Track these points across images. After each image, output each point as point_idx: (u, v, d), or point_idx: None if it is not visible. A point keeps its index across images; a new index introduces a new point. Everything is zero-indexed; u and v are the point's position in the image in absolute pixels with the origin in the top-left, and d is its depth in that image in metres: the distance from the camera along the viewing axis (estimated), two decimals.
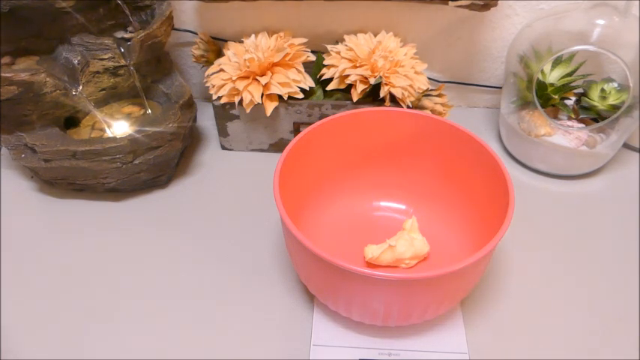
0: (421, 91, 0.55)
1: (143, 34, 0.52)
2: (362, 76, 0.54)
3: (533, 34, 0.55)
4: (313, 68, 0.59)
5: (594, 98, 0.56)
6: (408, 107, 0.54)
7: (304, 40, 0.58)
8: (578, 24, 0.53)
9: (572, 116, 0.57)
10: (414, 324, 0.42)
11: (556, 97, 0.56)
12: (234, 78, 0.55)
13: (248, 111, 0.56)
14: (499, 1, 0.57)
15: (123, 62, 0.56)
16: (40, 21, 0.54)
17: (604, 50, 0.51)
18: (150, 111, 0.59)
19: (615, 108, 0.54)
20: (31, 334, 0.44)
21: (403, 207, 0.52)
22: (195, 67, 0.69)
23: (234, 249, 0.51)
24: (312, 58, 0.58)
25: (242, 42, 0.59)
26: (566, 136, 0.56)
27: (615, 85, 0.56)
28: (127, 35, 0.56)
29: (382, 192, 0.53)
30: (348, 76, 0.55)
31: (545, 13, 0.57)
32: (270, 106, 0.56)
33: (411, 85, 0.54)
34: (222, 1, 0.58)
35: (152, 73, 0.58)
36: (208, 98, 0.70)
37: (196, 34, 0.63)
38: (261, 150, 0.62)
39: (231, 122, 0.59)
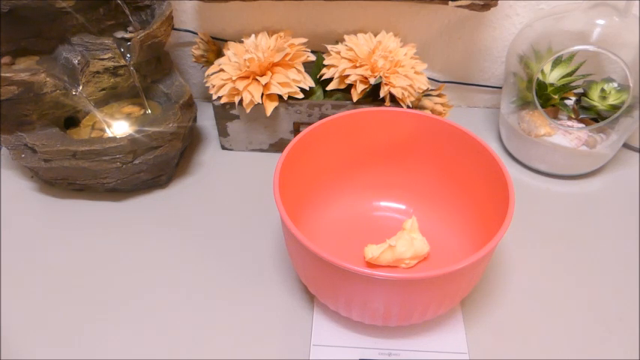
0: (421, 91, 0.55)
1: (143, 34, 0.52)
2: (362, 76, 0.54)
3: (533, 34, 0.55)
4: (313, 68, 0.59)
5: (594, 98, 0.56)
6: (408, 107, 0.54)
7: (304, 40, 0.58)
8: (578, 24, 0.53)
9: (572, 116, 0.57)
10: (414, 324, 0.42)
11: (556, 97, 0.56)
12: (234, 78, 0.55)
13: (248, 111, 0.56)
14: (499, 1, 0.57)
15: (123, 62, 0.56)
16: (40, 21, 0.54)
17: (604, 50, 0.51)
18: (150, 111, 0.59)
19: (615, 108, 0.54)
20: (31, 334, 0.44)
21: (403, 207, 0.52)
22: (195, 67, 0.69)
23: (235, 249, 0.51)
24: (312, 58, 0.58)
25: (242, 42, 0.59)
26: (566, 136, 0.56)
27: (615, 85, 0.56)
28: (127, 35, 0.56)
29: (382, 192, 0.53)
30: (348, 76, 0.55)
31: (545, 13, 0.57)
32: (270, 106, 0.56)
33: (411, 85, 0.54)
34: (222, 1, 0.58)
35: (152, 73, 0.58)
36: (208, 98, 0.70)
37: (196, 34, 0.63)
38: (261, 150, 0.62)
39: (231, 122, 0.59)
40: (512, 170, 0.59)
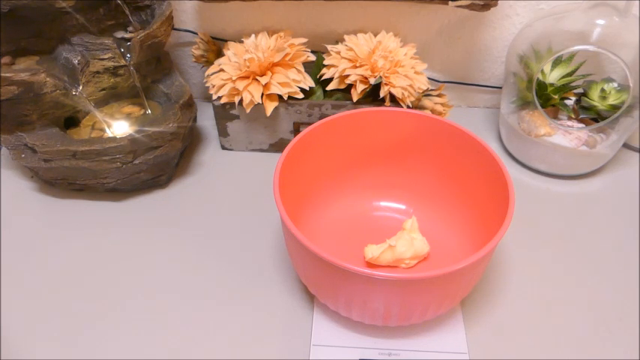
0: (421, 91, 0.55)
1: (143, 34, 0.52)
2: (362, 76, 0.54)
3: (533, 34, 0.55)
4: (313, 68, 0.59)
5: (594, 98, 0.56)
6: (408, 107, 0.54)
7: (304, 40, 0.58)
8: (578, 24, 0.53)
9: (572, 116, 0.57)
10: (414, 324, 0.42)
11: (556, 97, 0.56)
12: (234, 78, 0.55)
13: (248, 111, 0.56)
14: (499, 1, 0.57)
15: (123, 62, 0.56)
16: (40, 21, 0.53)
17: (604, 50, 0.51)
18: (150, 111, 0.59)
19: (615, 108, 0.54)
20: (31, 334, 0.44)
21: (403, 207, 0.52)
22: (195, 67, 0.69)
23: (234, 249, 0.51)
24: (312, 58, 0.58)
25: (242, 42, 0.59)
26: (566, 136, 0.56)
27: (615, 85, 0.56)
28: (127, 35, 0.56)
29: (382, 192, 0.53)
30: (348, 76, 0.55)
31: (545, 13, 0.57)
32: (270, 106, 0.56)
33: (411, 85, 0.54)
34: (222, 1, 0.58)
35: (152, 73, 0.58)
36: (208, 98, 0.70)
37: (196, 34, 0.63)
38: (261, 150, 0.62)
39: (231, 122, 0.59)
40: (512, 170, 0.59)
